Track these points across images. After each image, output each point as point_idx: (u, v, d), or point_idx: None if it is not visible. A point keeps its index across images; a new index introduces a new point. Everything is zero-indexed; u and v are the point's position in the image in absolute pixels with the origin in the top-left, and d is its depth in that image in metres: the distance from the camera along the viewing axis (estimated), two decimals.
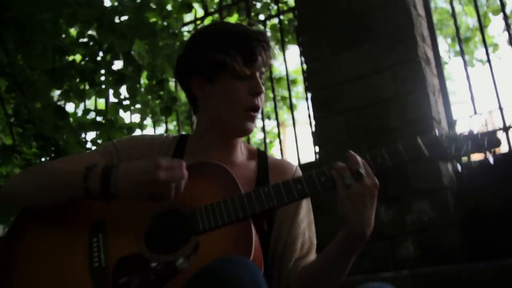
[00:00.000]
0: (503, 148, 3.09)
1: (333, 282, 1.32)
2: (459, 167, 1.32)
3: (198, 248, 1.18)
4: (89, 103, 4.86)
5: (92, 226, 1.28)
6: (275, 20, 4.69)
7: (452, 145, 1.26)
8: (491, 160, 1.28)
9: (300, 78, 6.69)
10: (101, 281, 1.20)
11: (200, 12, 4.95)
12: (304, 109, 4.68)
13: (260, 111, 1.42)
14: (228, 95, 1.36)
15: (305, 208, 1.45)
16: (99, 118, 3.96)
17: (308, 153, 3.78)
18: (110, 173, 1.21)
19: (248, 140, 4.29)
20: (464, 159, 1.30)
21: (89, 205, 1.29)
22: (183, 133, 1.77)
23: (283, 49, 4.24)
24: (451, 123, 3.17)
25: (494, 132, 1.30)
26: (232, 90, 1.36)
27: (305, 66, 3.74)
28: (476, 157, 1.33)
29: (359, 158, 1.21)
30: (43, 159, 3.77)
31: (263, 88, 1.38)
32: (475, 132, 1.28)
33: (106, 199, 1.22)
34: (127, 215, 1.26)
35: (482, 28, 3.57)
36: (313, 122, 3.55)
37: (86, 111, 4.09)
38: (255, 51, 1.35)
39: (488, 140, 1.27)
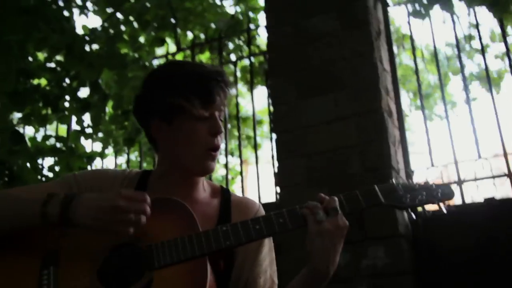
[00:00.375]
0: (457, 200, 3.20)
1: None
2: (413, 215, 1.35)
3: (152, 284, 1.16)
4: (50, 128, 4.76)
5: (44, 257, 1.24)
6: (245, 62, 4.78)
7: (407, 194, 1.30)
8: (444, 210, 1.32)
9: (266, 118, 6.77)
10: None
11: (172, 48, 4.99)
12: (268, 148, 4.73)
13: (220, 149, 1.42)
14: (188, 136, 1.35)
15: (267, 247, 1.45)
16: (59, 145, 3.87)
17: (270, 191, 3.79)
18: (72, 199, 1.20)
19: (210, 177, 4.27)
20: (420, 208, 1.33)
21: (44, 235, 1.25)
22: (145, 164, 1.75)
23: (251, 90, 4.31)
24: (409, 173, 3.27)
25: (448, 185, 1.36)
26: (192, 132, 1.35)
27: (271, 108, 3.80)
28: (431, 207, 1.38)
29: (335, 197, 1.24)
30: None
31: (222, 127, 1.38)
32: (430, 183, 1.33)
33: (62, 227, 1.19)
34: (82, 247, 1.23)
35: (442, 86, 3.75)
36: (276, 163, 3.58)
37: (46, 136, 4.00)
38: (213, 92, 1.35)
39: (442, 192, 1.32)
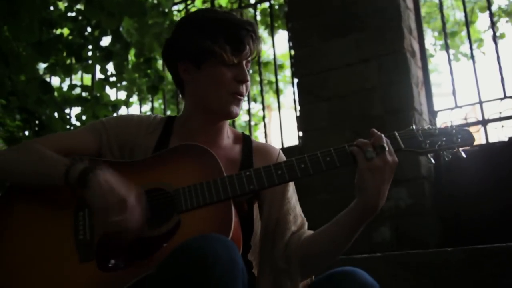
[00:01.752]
0: (480, 140, 3.18)
1: (334, 254, 1.37)
2: (432, 161, 1.36)
3: (180, 226, 1.22)
4: (75, 78, 4.83)
5: (78, 201, 1.31)
6: (266, 4, 4.69)
7: (427, 140, 1.31)
8: (463, 155, 1.33)
9: (287, 63, 6.70)
10: (86, 252, 1.24)
11: None
12: (290, 93, 4.70)
13: (244, 97, 1.45)
14: (215, 80, 1.39)
15: (292, 186, 1.49)
16: (84, 94, 3.95)
17: (292, 137, 3.83)
18: (91, 171, 1.25)
19: (233, 123, 4.32)
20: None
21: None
22: (169, 112, 1.79)
23: (272, 34, 4.26)
24: (432, 115, 3.25)
25: (468, 130, 1.35)
26: (219, 76, 1.39)
27: (293, 52, 3.77)
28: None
29: (382, 135, 1.27)
30: (26, 132, 3.75)
31: (249, 77, 1.42)
32: (450, 128, 1.33)
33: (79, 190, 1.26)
34: None
35: (467, 23, 3.64)
36: (298, 107, 3.60)
37: (72, 86, 4.07)
38: (243, 41, 1.38)
39: (462, 137, 1.32)
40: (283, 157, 1.52)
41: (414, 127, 1.33)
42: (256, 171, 1.28)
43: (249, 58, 1.43)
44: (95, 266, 1.21)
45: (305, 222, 1.47)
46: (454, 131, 1.33)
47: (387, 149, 1.24)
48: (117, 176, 1.27)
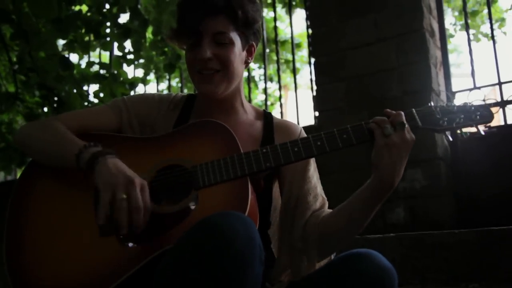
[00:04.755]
0: (499, 121, 3.15)
1: (352, 233, 1.38)
2: (449, 138, 1.35)
3: (197, 202, 1.24)
4: (93, 55, 4.86)
5: None
6: None
7: (445, 117, 1.29)
8: (482, 132, 1.30)
9: (305, 42, 6.65)
10: (106, 227, 1.25)
11: None
12: (307, 73, 4.69)
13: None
14: (187, 62, 1.44)
15: (313, 165, 1.50)
16: (102, 71, 3.97)
17: (308, 117, 3.83)
18: (102, 155, 1.26)
19: (250, 102, 4.32)
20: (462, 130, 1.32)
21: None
22: (186, 90, 1.81)
23: (289, 12, 4.23)
24: (450, 96, 3.22)
25: (487, 107, 1.32)
26: (187, 59, 1.43)
27: (310, 31, 3.75)
28: (470, 128, 1.36)
29: (401, 112, 1.26)
30: (45, 109, 3.81)
31: (206, 52, 1.37)
32: (469, 105, 1.31)
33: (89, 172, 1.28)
34: (133, 168, 1.30)
35: (489, 2, 3.57)
36: (315, 87, 3.59)
37: (90, 63, 4.10)
38: (184, 21, 1.39)
39: (481, 114, 1.29)
40: (304, 134, 1.51)
41: (432, 103, 1.32)
42: (273, 148, 1.29)
43: (212, 30, 1.38)
44: (116, 241, 1.24)
45: (326, 202, 1.48)
46: (473, 108, 1.30)
47: (406, 125, 1.24)
48: (127, 160, 1.28)
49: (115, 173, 1.21)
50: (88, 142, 1.30)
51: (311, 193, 1.44)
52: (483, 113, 1.30)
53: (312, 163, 1.50)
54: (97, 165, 1.24)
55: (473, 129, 1.32)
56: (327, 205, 1.47)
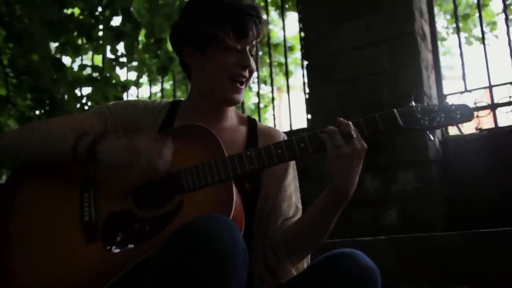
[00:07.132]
0: (490, 124, 3.17)
1: (316, 240, 1.39)
2: (431, 137, 1.36)
3: (182, 206, 1.25)
4: (86, 58, 4.85)
5: (84, 182, 1.34)
6: None
7: (426, 116, 1.30)
8: (461, 132, 1.33)
9: (297, 45, 6.67)
10: (91, 234, 1.27)
11: None
12: (300, 76, 4.70)
13: (251, 81, 1.46)
14: (218, 65, 1.41)
15: (292, 174, 1.51)
16: (95, 74, 3.96)
17: (301, 119, 3.84)
18: (100, 139, 1.29)
19: (242, 105, 4.33)
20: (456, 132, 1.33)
21: (79, 166, 1.34)
22: (179, 93, 1.81)
23: (282, 15, 4.24)
24: (441, 99, 3.25)
25: (467, 106, 1.33)
26: (222, 61, 1.40)
27: (303, 34, 3.76)
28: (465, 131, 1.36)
29: (350, 122, 1.28)
30: (37, 112, 3.79)
31: (252, 63, 1.43)
32: (449, 104, 1.32)
33: (89, 159, 1.29)
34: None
35: (479, 6, 3.60)
36: (307, 90, 3.60)
37: (82, 66, 4.09)
38: (246, 26, 1.39)
39: (461, 113, 1.31)
40: None
41: (413, 103, 1.33)
42: (257, 150, 1.29)
43: (253, 43, 1.43)
44: (101, 247, 1.24)
45: (299, 211, 1.49)
46: (453, 107, 1.31)
47: (354, 136, 1.25)
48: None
49: (125, 147, 1.25)
50: (78, 135, 1.31)
51: (285, 201, 1.46)
52: (463, 112, 1.31)
53: (291, 171, 1.51)
54: (98, 153, 1.26)
55: (469, 131, 1.33)
56: (299, 214, 1.48)
